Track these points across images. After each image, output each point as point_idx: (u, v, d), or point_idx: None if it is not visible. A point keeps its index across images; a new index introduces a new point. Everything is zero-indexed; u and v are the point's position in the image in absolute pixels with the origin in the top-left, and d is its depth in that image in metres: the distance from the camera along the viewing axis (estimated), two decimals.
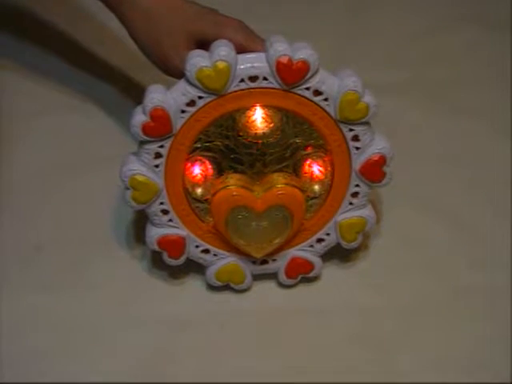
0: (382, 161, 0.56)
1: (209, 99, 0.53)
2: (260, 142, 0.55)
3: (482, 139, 0.72)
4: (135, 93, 0.72)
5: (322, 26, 0.84)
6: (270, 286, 0.60)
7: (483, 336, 0.57)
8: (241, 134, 0.55)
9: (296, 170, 0.57)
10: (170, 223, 0.57)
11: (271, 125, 0.55)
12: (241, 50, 0.54)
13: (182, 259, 0.58)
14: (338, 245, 0.59)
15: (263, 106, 0.54)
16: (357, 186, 0.57)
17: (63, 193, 0.66)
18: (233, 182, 0.56)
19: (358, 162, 0.56)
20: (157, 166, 0.55)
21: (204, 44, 0.57)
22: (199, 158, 0.56)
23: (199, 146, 0.55)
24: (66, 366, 0.55)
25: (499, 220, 0.65)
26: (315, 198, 0.58)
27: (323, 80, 0.54)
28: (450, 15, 0.87)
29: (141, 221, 0.60)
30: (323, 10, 0.87)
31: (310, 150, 0.56)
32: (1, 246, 0.62)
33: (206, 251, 0.58)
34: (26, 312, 0.58)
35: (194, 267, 0.59)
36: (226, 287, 0.59)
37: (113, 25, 0.64)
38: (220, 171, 0.56)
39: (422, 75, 0.79)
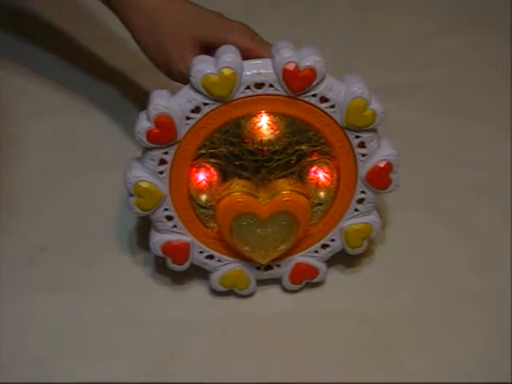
0: (389, 168, 0.56)
1: (214, 106, 0.53)
2: (265, 148, 0.55)
3: (487, 141, 0.72)
4: (138, 95, 0.72)
5: (325, 28, 0.84)
6: (274, 291, 0.60)
7: (484, 336, 0.57)
8: (246, 140, 0.55)
9: (301, 176, 0.56)
10: (175, 229, 0.56)
11: (277, 132, 0.54)
12: (246, 54, 0.53)
13: (186, 265, 0.58)
14: (343, 250, 0.59)
15: (269, 113, 0.54)
16: (362, 192, 0.57)
17: (67, 196, 0.66)
18: (238, 189, 0.55)
19: (364, 168, 0.56)
20: (161, 173, 0.54)
21: (209, 48, 0.56)
22: (204, 164, 0.55)
23: (204, 152, 0.55)
24: (69, 368, 0.55)
25: (507, 225, 0.64)
26: (320, 204, 0.57)
27: (330, 87, 0.53)
28: (451, 17, 0.87)
29: (145, 225, 0.60)
30: (326, 12, 0.87)
31: (315, 156, 0.56)
32: (4, 247, 0.62)
33: (211, 257, 0.58)
34: (29, 313, 0.58)
35: (198, 272, 0.59)
36: (230, 292, 0.59)
37: (115, 26, 0.63)
38: (225, 178, 0.56)
39: (425, 78, 0.79)
